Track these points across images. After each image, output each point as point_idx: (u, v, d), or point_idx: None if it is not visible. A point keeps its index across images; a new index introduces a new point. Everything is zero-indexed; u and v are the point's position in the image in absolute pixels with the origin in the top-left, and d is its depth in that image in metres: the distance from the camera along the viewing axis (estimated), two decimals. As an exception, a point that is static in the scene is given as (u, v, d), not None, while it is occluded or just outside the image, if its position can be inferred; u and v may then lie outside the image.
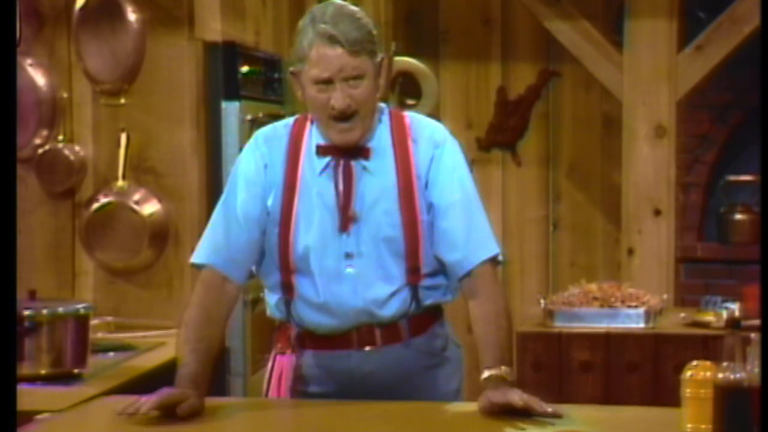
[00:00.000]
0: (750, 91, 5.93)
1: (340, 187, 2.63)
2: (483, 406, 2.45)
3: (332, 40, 2.53)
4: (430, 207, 2.65)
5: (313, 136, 2.67)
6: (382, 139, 2.66)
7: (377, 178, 2.64)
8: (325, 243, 2.63)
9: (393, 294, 2.64)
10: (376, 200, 2.63)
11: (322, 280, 2.63)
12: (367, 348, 2.66)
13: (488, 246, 2.67)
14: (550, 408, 2.42)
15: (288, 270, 2.65)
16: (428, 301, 2.69)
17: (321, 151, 2.65)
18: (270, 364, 2.78)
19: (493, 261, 2.67)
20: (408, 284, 2.65)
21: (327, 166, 2.64)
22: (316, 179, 2.64)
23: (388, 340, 2.67)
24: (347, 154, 2.64)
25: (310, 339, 2.70)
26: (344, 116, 2.57)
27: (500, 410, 2.42)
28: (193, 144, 3.87)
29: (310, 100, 2.60)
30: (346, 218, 2.62)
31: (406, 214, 2.63)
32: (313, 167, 2.65)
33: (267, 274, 2.71)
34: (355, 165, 2.64)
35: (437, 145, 2.68)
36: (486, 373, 2.52)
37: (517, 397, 2.42)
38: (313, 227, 2.63)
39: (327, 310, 2.65)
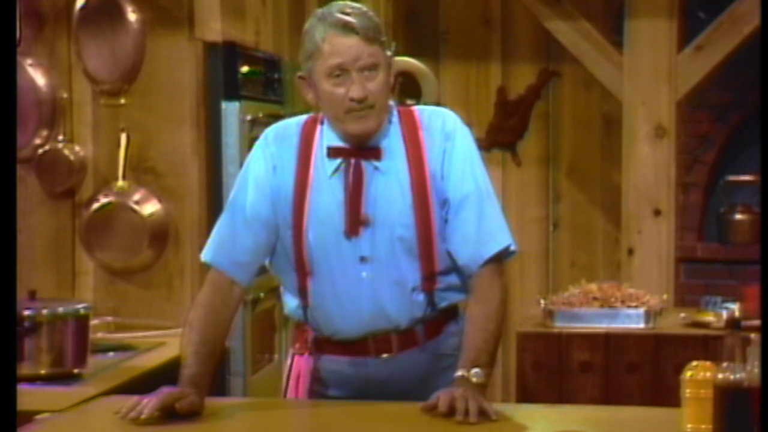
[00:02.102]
0: (750, 91, 5.94)
1: (350, 189, 2.60)
2: (423, 404, 2.44)
3: (346, 28, 2.51)
4: (445, 202, 2.63)
5: (323, 138, 2.64)
6: (393, 138, 2.63)
7: (389, 178, 2.61)
8: (340, 247, 2.60)
9: (408, 297, 2.62)
10: (388, 201, 2.60)
11: (338, 284, 2.61)
12: (384, 355, 2.65)
13: (498, 239, 2.66)
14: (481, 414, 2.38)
15: (304, 272, 2.64)
16: (443, 304, 2.67)
17: (332, 152, 2.62)
18: (288, 363, 2.78)
19: (501, 255, 2.66)
20: (423, 291, 2.63)
21: (338, 168, 2.62)
22: (328, 181, 2.61)
23: (404, 346, 2.65)
24: (358, 155, 2.61)
25: (327, 344, 2.68)
26: (361, 107, 2.54)
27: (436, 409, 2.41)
28: (193, 144, 3.87)
29: (324, 96, 2.57)
30: (355, 221, 2.59)
31: (419, 211, 2.60)
32: (324, 169, 2.62)
33: (283, 273, 2.69)
34: (366, 166, 2.61)
35: (448, 137, 2.64)
36: (457, 374, 2.50)
37: (448, 398, 2.40)
38: (326, 231, 2.60)
39: (343, 315, 2.62)
